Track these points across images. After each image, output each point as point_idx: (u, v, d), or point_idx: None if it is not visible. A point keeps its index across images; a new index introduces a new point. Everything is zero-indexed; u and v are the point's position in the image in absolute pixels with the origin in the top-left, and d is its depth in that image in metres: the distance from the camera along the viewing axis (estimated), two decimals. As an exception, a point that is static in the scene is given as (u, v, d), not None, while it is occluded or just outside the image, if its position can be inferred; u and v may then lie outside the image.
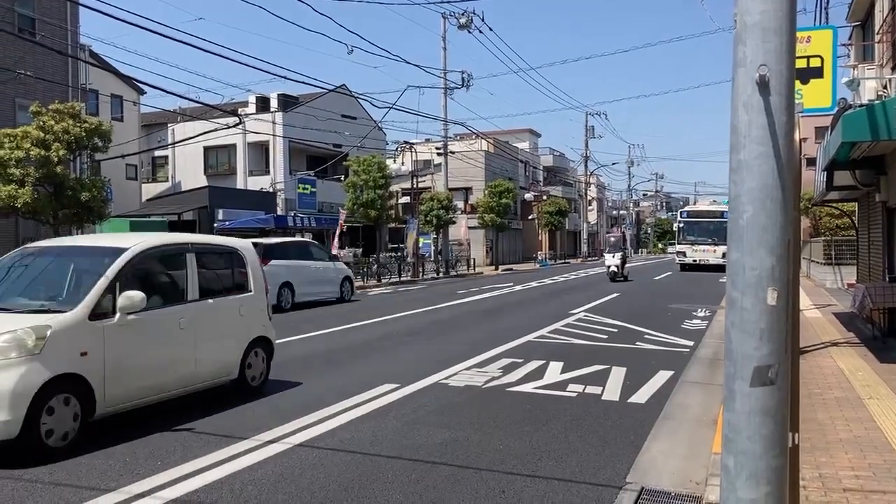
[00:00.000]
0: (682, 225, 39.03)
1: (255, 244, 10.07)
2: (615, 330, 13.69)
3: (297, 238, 26.43)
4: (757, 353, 2.34)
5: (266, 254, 17.53)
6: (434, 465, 5.58)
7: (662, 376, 9.10)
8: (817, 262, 26.62)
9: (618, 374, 9.15)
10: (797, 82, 5.88)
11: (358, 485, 5.15)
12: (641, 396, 8.02)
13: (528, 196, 56.33)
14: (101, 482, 5.25)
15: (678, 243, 39.23)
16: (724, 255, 31.31)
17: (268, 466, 5.56)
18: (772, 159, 2.33)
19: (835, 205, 22.35)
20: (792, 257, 2.37)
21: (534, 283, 28.94)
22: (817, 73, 6.28)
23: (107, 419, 7.08)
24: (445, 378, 9.00)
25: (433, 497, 4.93)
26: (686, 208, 44.93)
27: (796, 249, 2.79)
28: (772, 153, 2.33)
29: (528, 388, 8.42)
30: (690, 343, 12.00)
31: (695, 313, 16.60)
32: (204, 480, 5.23)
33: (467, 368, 9.66)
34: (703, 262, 36.58)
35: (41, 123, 16.54)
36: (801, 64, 6.11)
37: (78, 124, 16.73)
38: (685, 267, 37.48)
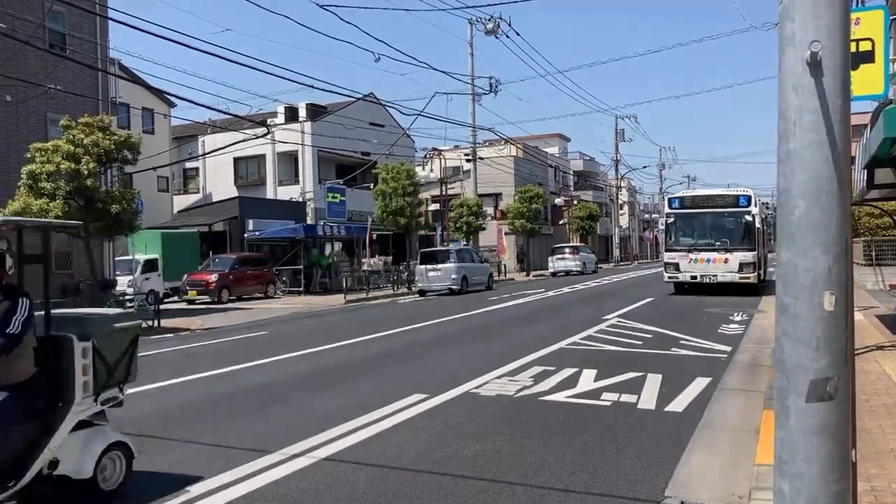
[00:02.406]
0: (671, 220, 24.01)
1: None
2: (650, 335, 13.38)
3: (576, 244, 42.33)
4: (813, 365, 2.09)
5: None
6: (463, 479, 5.38)
7: (700, 383, 8.80)
8: (857, 263, 25.97)
9: (653, 382, 8.86)
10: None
11: (384, 500, 4.97)
12: (679, 405, 7.74)
13: (559, 201, 55.95)
14: (120, 500, 5.13)
15: (667, 249, 24.22)
16: (742, 268, 21.95)
17: (292, 482, 5.41)
18: (826, 148, 2.09)
19: (875, 204, 21.74)
20: (849, 257, 2.13)
21: (566, 289, 28.61)
22: (868, 57, 5.89)
23: (130, 430, 7.00)
24: (476, 387, 8.79)
25: (462, 514, 4.73)
26: (678, 194, 26.55)
27: (849, 249, 2.55)
28: (826, 141, 2.08)
29: (560, 397, 8.18)
30: (728, 348, 11.65)
31: (732, 317, 16.19)
32: (226, 497, 5.09)
33: (498, 377, 9.45)
34: (708, 281, 22.56)
35: (71, 137, 16.68)
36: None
37: (107, 137, 16.84)
38: (681, 288, 23.64)
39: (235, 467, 5.74)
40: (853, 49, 5.68)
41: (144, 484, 5.45)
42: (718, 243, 22.69)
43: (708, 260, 22.64)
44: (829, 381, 2.06)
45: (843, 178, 2.09)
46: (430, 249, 31.93)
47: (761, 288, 22.66)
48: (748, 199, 22.50)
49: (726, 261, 22.27)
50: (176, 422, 7.55)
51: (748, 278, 21.86)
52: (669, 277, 23.55)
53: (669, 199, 25.10)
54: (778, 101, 2.18)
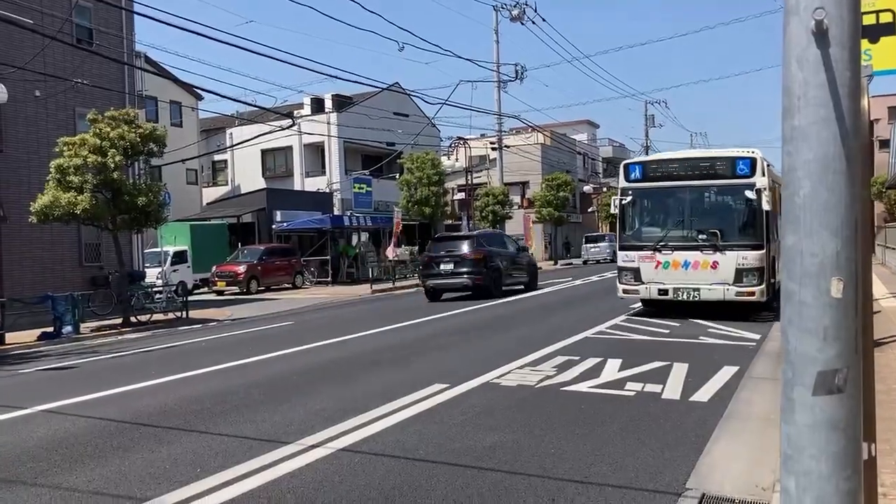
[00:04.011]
0: (629, 199, 14.54)
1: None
2: (677, 324, 13.19)
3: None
4: (821, 356, 1.97)
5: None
6: (481, 471, 5.31)
7: (727, 372, 8.64)
8: (894, 249, 25.42)
9: (679, 371, 8.71)
10: (865, 41, 5.35)
11: (399, 493, 4.92)
12: (704, 394, 7.60)
13: (587, 188, 55.45)
14: (138, 491, 5.14)
15: (621, 246, 14.85)
16: (741, 276, 13.33)
17: (308, 473, 5.38)
18: (833, 124, 1.96)
19: (910, 187, 21.20)
20: (861, 241, 2.01)
21: (594, 278, 28.38)
22: (888, 29, 5.59)
23: (153, 420, 7.04)
24: (497, 377, 8.72)
25: (477, 506, 4.66)
26: (638, 159, 19.10)
27: (866, 233, 2.41)
28: (833, 116, 1.95)
29: (583, 387, 8.07)
30: (757, 336, 11.45)
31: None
32: (242, 488, 5.07)
33: (520, 367, 9.36)
34: (686, 297, 13.84)
35: (98, 130, 16.83)
36: (869, 20, 5.44)
37: (132, 130, 16.97)
38: (648, 305, 15.34)
39: (252, 458, 5.72)
40: (873, 21, 5.43)
41: (162, 472, 5.47)
42: (703, 236, 13.76)
43: (686, 263, 13.84)
44: (837, 373, 1.94)
45: (852, 157, 1.96)
46: (591, 234, 48.57)
47: (773, 304, 13.74)
48: (751, 163, 13.47)
49: (715, 265, 13.54)
50: (195, 412, 7.56)
51: (750, 293, 13.34)
52: (625, 291, 14.64)
53: (626, 166, 15.10)
54: (782, 76, 2.06)
